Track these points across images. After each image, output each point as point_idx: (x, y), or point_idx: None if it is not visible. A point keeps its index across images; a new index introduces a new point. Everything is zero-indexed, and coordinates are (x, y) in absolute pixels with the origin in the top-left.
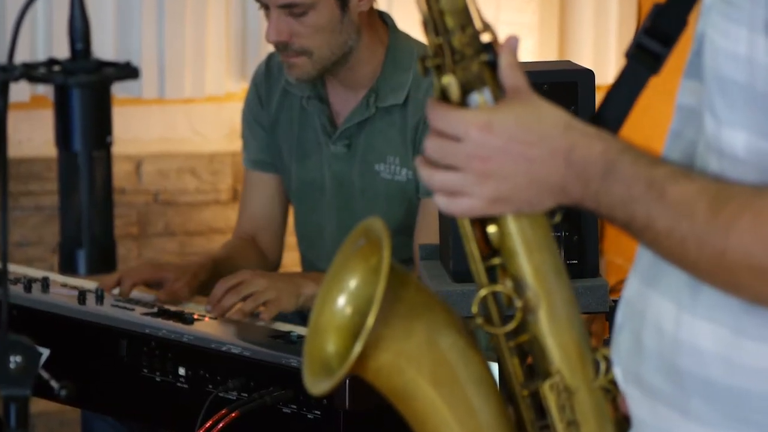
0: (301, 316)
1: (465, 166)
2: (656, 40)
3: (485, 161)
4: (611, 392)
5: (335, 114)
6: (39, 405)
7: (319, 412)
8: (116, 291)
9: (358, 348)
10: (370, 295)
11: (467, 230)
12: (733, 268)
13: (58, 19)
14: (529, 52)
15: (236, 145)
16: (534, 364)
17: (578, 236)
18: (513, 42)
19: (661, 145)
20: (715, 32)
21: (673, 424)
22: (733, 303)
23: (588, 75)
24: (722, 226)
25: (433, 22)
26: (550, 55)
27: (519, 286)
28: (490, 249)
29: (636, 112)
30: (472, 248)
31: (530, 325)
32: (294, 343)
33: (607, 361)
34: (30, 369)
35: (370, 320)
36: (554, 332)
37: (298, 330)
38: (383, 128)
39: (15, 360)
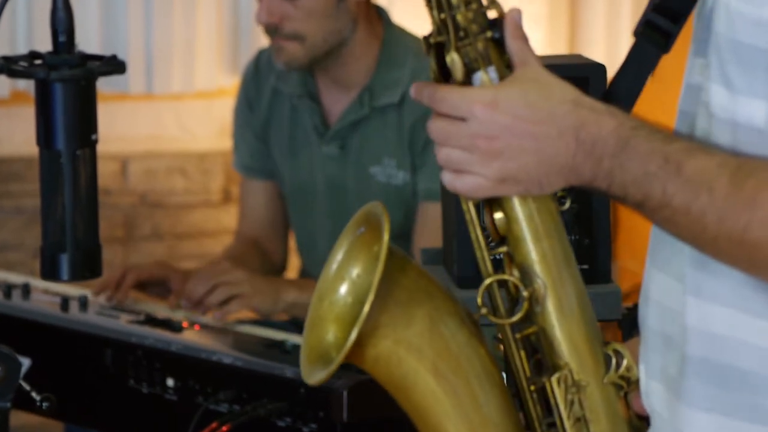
0: (296, 323)
1: (470, 146)
2: (665, 16)
3: (491, 140)
4: (623, 389)
5: (327, 114)
6: (19, 418)
7: (315, 425)
8: (105, 298)
9: (353, 335)
10: (372, 284)
11: (473, 216)
12: (755, 244)
13: (39, 10)
14: (537, 45)
15: (228, 143)
16: (542, 357)
17: (589, 239)
18: (516, 15)
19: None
20: None
21: (682, 413)
22: (739, 281)
23: (600, 69)
24: (744, 201)
25: None
26: (559, 48)
27: (526, 275)
28: (497, 236)
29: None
30: (478, 235)
31: (537, 316)
32: (288, 353)
33: (619, 355)
34: (10, 380)
35: (367, 306)
36: (563, 324)
37: (293, 339)
38: (378, 128)
39: None
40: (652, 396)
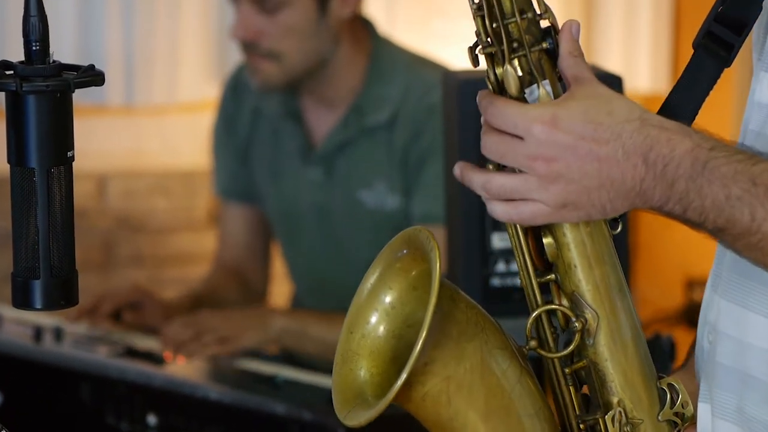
0: (286, 357)
1: (527, 167)
2: (727, 27)
3: (550, 162)
4: (678, 426)
5: (312, 134)
6: None
7: None
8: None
9: (404, 375)
10: (408, 315)
11: (521, 241)
12: None
13: (11, 16)
14: None
15: None
16: (592, 393)
17: None
18: (574, 27)
19: None
20: None
21: None
22: None
23: (616, 81)
24: None
25: (487, 5)
26: None
27: (576, 305)
28: (543, 263)
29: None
30: (527, 262)
31: (588, 349)
32: (279, 388)
33: (674, 390)
34: None
35: (419, 343)
36: (616, 358)
37: (284, 373)
38: (367, 150)
39: None
40: None
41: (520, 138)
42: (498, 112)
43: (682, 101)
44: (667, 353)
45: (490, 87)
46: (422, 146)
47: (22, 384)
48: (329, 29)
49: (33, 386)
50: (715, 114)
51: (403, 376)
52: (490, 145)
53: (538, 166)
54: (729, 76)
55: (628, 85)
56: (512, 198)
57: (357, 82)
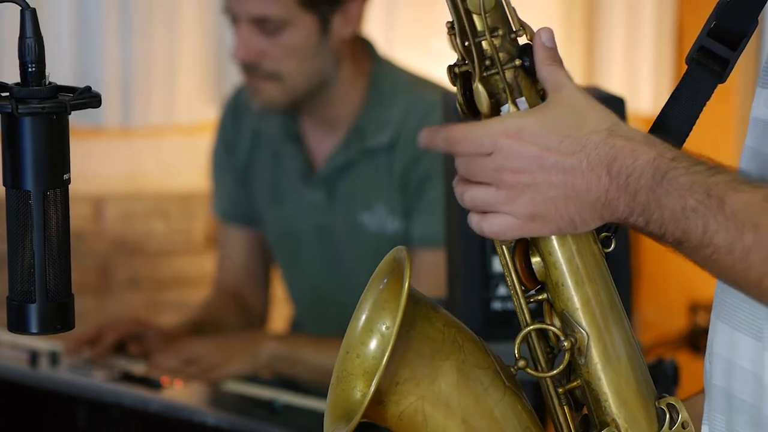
0: (284, 382)
1: (495, 180)
2: (722, 42)
3: (516, 174)
4: None
5: (312, 156)
6: None
7: None
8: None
9: (371, 391)
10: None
11: (508, 260)
12: None
13: (6, 37)
14: None
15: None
16: (589, 413)
17: None
18: (544, 35)
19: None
20: None
21: None
22: None
23: (618, 103)
24: None
25: (460, 23)
26: (574, 79)
27: (567, 324)
28: (534, 282)
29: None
30: (515, 281)
31: (581, 368)
32: (278, 413)
33: (673, 410)
34: None
35: (385, 360)
36: (609, 376)
37: (282, 397)
38: (368, 172)
39: None
40: None
41: (488, 154)
42: (461, 138)
43: (676, 117)
44: (670, 377)
45: (459, 108)
46: (422, 168)
47: (17, 408)
48: (331, 49)
49: (28, 411)
50: (717, 131)
51: (369, 394)
52: (463, 164)
53: (506, 178)
54: (731, 93)
55: (631, 107)
56: (484, 210)
57: (357, 104)
